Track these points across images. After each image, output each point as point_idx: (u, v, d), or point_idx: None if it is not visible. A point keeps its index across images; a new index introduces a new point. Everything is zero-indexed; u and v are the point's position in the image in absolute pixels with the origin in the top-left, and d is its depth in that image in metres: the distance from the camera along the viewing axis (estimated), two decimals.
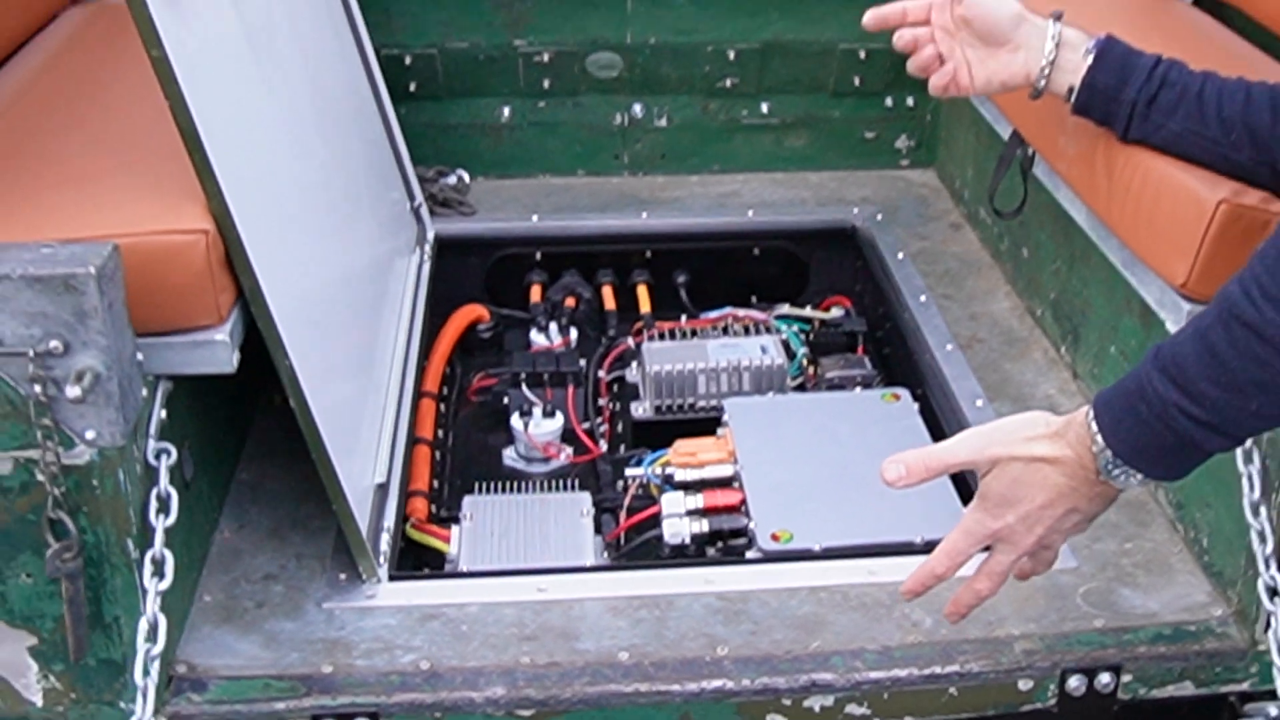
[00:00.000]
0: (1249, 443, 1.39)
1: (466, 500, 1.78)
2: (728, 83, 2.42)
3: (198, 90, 1.29)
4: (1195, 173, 1.42)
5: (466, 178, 2.41)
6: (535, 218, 2.33)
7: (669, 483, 1.79)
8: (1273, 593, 1.40)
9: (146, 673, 1.30)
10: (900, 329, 2.10)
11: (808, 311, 2.23)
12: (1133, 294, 1.60)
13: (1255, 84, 1.40)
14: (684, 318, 2.21)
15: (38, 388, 1.20)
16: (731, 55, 2.38)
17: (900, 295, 2.13)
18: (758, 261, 2.34)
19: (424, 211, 2.24)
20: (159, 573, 1.31)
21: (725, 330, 2.10)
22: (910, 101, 2.46)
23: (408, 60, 2.31)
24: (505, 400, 2.04)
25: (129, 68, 1.64)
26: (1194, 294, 1.42)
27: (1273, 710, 1.42)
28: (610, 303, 2.27)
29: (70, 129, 1.55)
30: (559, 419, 1.99)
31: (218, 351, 1.36)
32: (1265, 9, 1.80)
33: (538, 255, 2.31)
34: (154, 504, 1.32)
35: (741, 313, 2.20)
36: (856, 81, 2.43)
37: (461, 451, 2.02)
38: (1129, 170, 1.51)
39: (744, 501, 1.71)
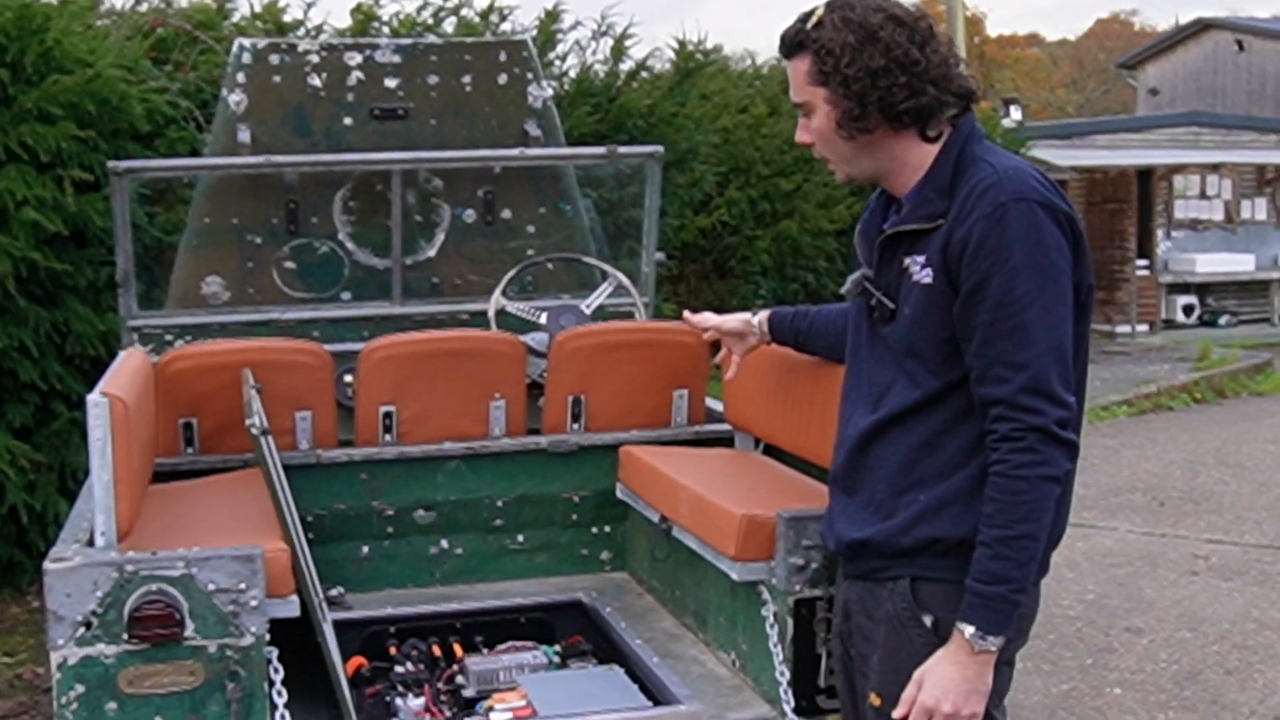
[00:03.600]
0: (769, 611, 3.31)
1: None
2: (497, 522, 4.37)
3: (280, 496, 3.17)
4: (722, 491, 3.43)
5: (343, 590, 4.23)
6: (389, 608, 4.15)
7: (488, 714, 3.57)
8: (784, 701, 3.27)
9: None
10: (614, 641, 3.97)
11: (558, 647, 4.09)
12: (721, 576, 3.53)
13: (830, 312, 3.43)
14: (484, 651, 4.02)
15: (231, 608, 2.97)
16: (500, 504, 4.34)
17: (611, 628, 4.01)
18: (524, 626, 4.19)
19: (324, 609, 4.03)
20: (280, 693, 3.02)
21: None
22: (608, 529, 4.45)
23: (309, 518, 4.17)
24: (387, 699, 3.77)
25: (215, 494, 3.51)
26: (739, 558, 3.37)
27: None
28: (438, 652, 4.06)
29: (209, 513, 3.39)
30: (422, 700, 3.74)
31: (291, 607, 3.14)
32: (800, 449, 3.87)
33: (392, 629, 4.10)
34: (273, 668, 3.05)
35: (519, 643, 4.03)
36: (574, 518, 4.42)
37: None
38: (708, 510, 3.51)
39: (535, 712, 3.50)
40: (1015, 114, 20.10)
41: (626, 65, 11.59)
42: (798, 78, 2.71)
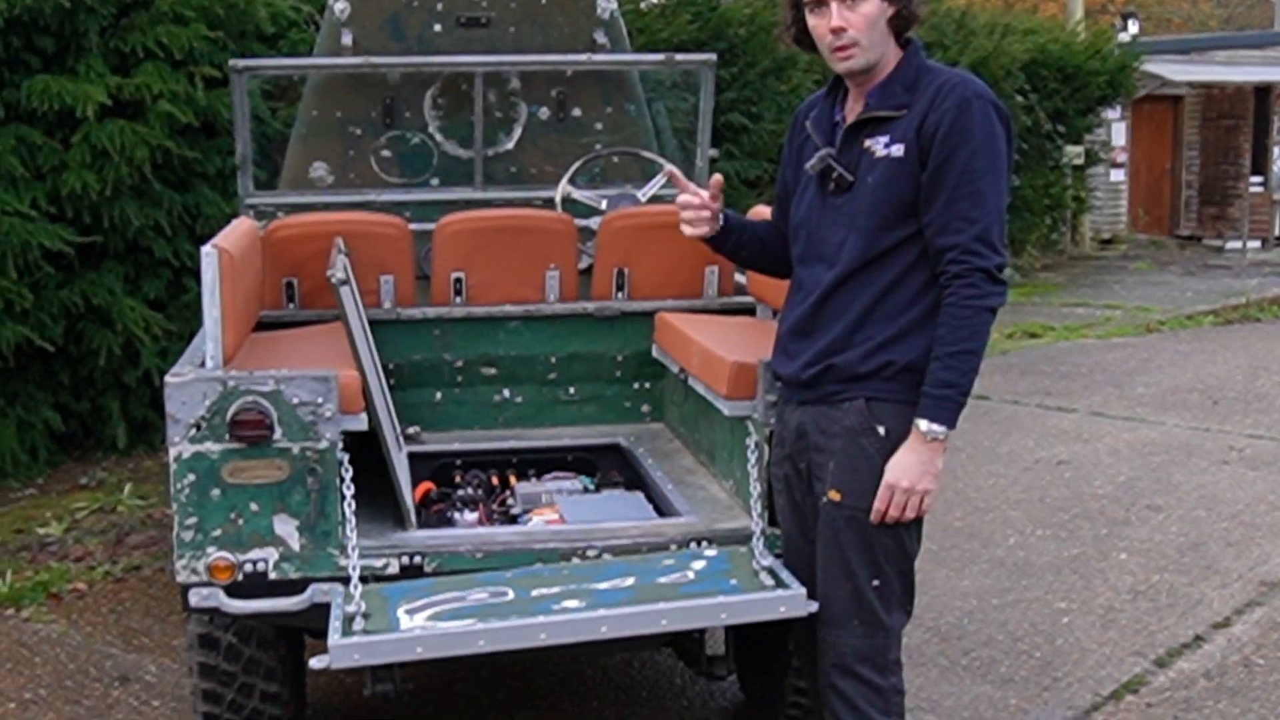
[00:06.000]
0: (751, 441, 4.00)
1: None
2: (551, 376, 5.11)
3: (355, 334, 3.94)
4: (724, 345, 4.13)
5: (419, 428, 5.01)
6: (456, 444, 4.93)
7: (527, 523, 4.34)
8: (754, 511, 3.98)
9: (345, 534, 3.77)
10: (640, 474, 4.70)
11: (596, 478, 4.83)
12: (718, 413, 4.24)
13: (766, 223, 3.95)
14: (532, 480, 4.78)
15: (311, 417, 3.75)
16: (553, 360, 5.09)
17: (640, 463, 4.74)
18: (571, 464, 4.93)
19: (401, 441, 4.82)
20: (349, 488, 3.79)
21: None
22: (647, 385, 5.17)
23: (390, 366, 4.95)
24: (449, 514, 4.54)
25: (308, 339, 4.30)
26: (730, 396, 4.06)
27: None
28: (495, 481, 4.82)
29: (300, 349, 4.18)
30: (476, 515, 4.50)
31: (360, 422, 3.91)
32: None
33: (458, 462, 4.88)
34: (344, 469, 3.82)
35: (562, 474, 4.78)
36: (617, 374, 5.14)
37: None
38: (710, 359, 4.22)
39: (564, 521, 4.26)
40: (1132, 28, 20.24)
41: None
42: None
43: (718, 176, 3.81)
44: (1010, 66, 15.39)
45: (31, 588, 5.96)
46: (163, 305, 7.95)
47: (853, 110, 3.47)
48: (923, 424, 3.28)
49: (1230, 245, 19.86)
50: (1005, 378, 10.39)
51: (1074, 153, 17.71)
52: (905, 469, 3.30)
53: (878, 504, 3.34)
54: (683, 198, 3.75)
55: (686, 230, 3.78)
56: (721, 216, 3.75)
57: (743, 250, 3.87)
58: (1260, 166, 20.19)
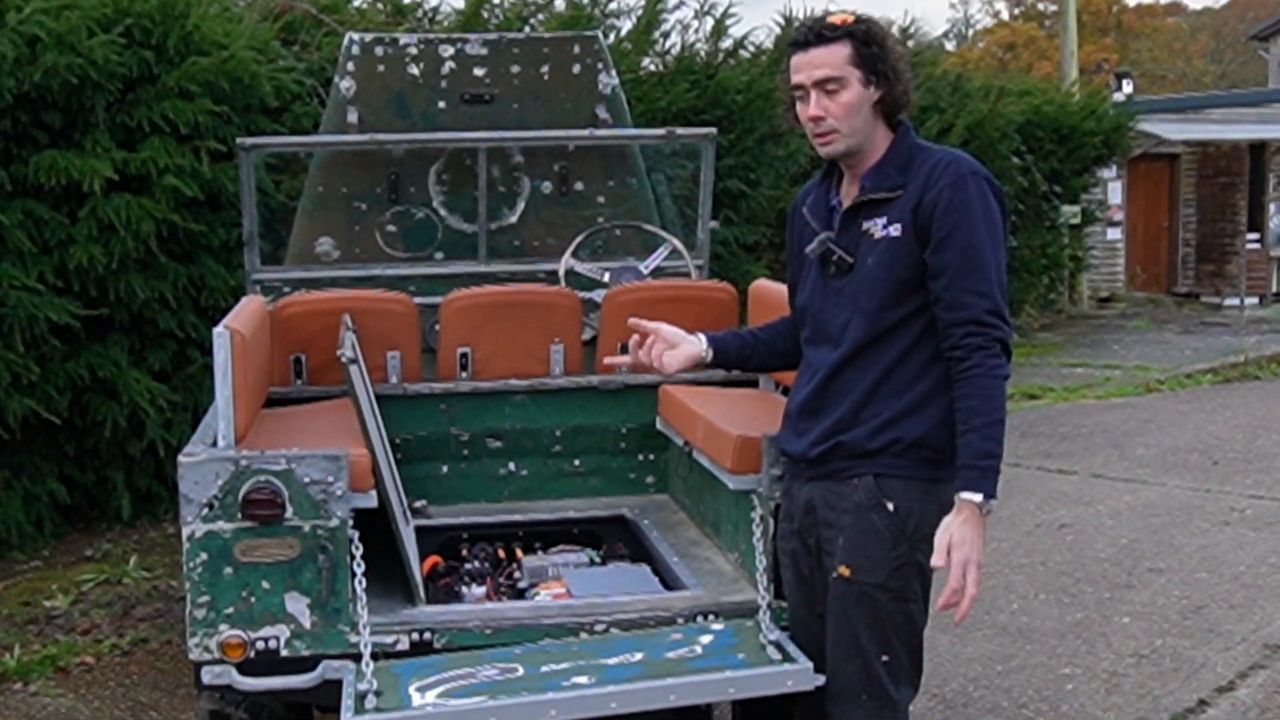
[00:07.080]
0: (756, 514, 4.07)
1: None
2: (556, 449, 5.18)
3: (365, 412, 4.01)
4: (728, 419, 4.20)
5: (426, 502, 5.07)
6: (462, 518, 4.99)
7: (534, 597, 4.39)
8: (761, 585, 4.03)
9: (355, 611, 3.83)
10: (645, 546, 4.76)
11: (602, 551, 4.89)
12: (723, 487, 4.30)
13: (774, 325, 4.03)
14: (539, 553, 4.84)
15: (322, 496, 3.81)
16: (558, 433, 5.16)
17: (645, 536, 4.81)
18: (576, 536, 5.00)
19: (408, 515, 4.87)
20: (359, 565, 3.85)
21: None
22: (651, 457, 5.24)
23: (398, 441, 5.02)
24: (456, 588, 4.60)
25: (317, 415, 4.37)
26: (735, 470, 4.13)
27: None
28: (502, 554, 4.88)
29: (310, 427, 4.25)
30: (483, 588, 4.56)
31: (370, 499, 3.97)
32: None
33: (465, 535, 4.93)
34: (354, 546, 3.88)
35: (568, 547, 4.84)
36: (622, 446, 5.21)
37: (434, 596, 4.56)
38: (715, 434, 4.29)
39: (571, 595, 4.31)
40: (1127, 88, 20.44)
41: (727, 44, 12.37)
42: (834, 59, 3.40)
43: (635, 337, 3.90)
44: (1006, 128, 15.54)
45: (39, 661, 5.99)
46: (167, 377, 8.01)
47: (848, 194, 3.56)
48: (976, 497, 3.25)
49: (1228, 302, 19.96)
50: (1006, 440, 10.42)
51: (1070, 212, 17.84)
52: (974, 544, 3.26)
53: (970, 587, 3.26)
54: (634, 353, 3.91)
55: (669, 365, 3.86)
56: (706, 341, 3.84)
57: (750, 361, 3.96)
58: (1257, 223, 20.34)
